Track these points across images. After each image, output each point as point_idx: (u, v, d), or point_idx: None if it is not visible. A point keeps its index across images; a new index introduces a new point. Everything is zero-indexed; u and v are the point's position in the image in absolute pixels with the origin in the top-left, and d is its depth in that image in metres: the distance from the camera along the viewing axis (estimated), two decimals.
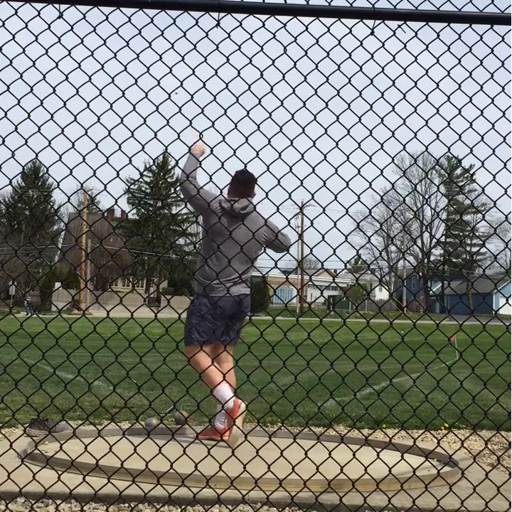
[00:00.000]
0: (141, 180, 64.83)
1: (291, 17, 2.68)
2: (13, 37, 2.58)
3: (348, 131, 2.70)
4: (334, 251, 2.62)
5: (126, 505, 3.17)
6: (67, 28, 2.58)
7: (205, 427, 5.21)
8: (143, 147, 2.58)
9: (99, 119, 2.60)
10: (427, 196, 67.58)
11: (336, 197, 2.59)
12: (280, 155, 2.63)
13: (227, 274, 4.88)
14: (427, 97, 2.78)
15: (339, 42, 2.72)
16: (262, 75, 2.67)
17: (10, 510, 2.96)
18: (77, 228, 52.70)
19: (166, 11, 2.64)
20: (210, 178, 2.66)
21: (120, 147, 2.55)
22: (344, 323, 2.67)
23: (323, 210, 2.71)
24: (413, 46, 2.78)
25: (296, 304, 57.57)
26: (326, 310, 48.65)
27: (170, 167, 63.28)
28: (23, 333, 2.63)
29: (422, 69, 2.78)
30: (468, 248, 68.97)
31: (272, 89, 2.69)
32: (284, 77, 2.66)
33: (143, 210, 66.01)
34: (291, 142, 2.66)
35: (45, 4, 2.61)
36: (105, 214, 43.37)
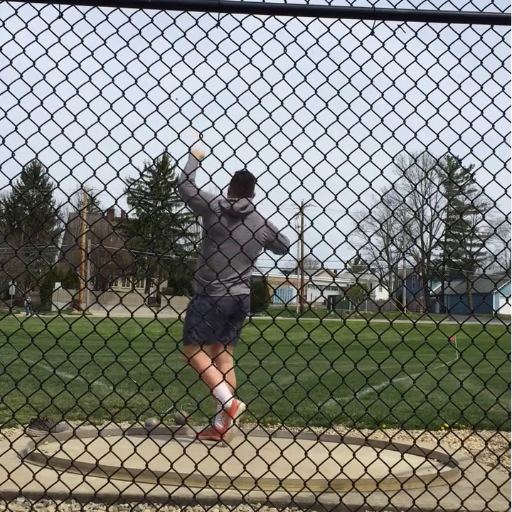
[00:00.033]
0: (141, 180, 64.85)
1: (291, 17, 2.68)
2: (13, 37, 2.58)
3: (348, 131, 2.70)
4: (334, 251, 2.62)
5: (126, 505, 3.17)
6: (67, 28, 2.58)
7: (205, 427, 5.21)
8: (143, 147, 2.58)
9: (99, 119, 2.60)
10: (427, 196, 67.61)
11: (335, 197, 2.59)
12: (280, 155, 2.63)
13: (227, 274, 4.88)
14: (427, 97, 2.78)
15: (339, 42, 2.72)
16: (262, 75, 2.67)
17: (10, 510, 2.96)
18: (77, 228, 52.71)
19: (166, 11, 2.64)
20: (210, 178, 2.66)
21: (120, 147, 2.55)
22: (344, 323, 2.67)
23: (323, 210, 2.71)
24: (413, 46, 2.79)
25: (296, 304, 57.57)
26: (326, 310, 48.66)
27: (170, 167, 63.29)
28: (23, 333, 2.63)
29: (422, 69, 2.78)
30: (468, 248, 68.97)
31: (272, 89, 2.69)
32: (284, 77, 2.66)
33: (143, 210, 66.02)
34: (291, 142, 2.66)
35: (45, 4, 2.61)
36: (105, 214, 43.37)
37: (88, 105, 2.58)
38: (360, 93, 2.71)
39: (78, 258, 53.99)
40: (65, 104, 2.57)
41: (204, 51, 2.63)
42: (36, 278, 50.41)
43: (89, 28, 2.57)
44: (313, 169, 2.62)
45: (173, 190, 65.39)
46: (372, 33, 2.71)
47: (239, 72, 2.65)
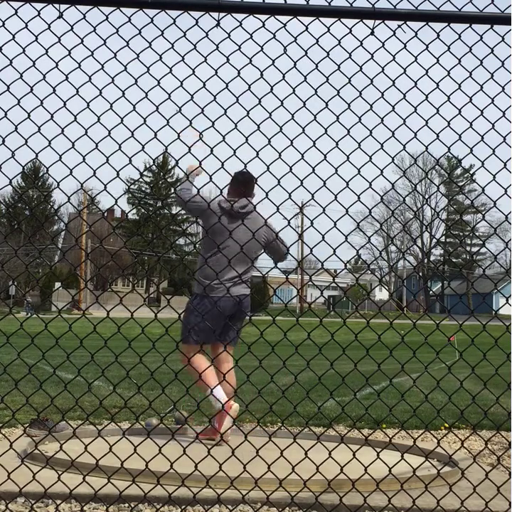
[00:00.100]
0: (141, 180, 64.85)
1: (291, 17, 2.68)
2: (13, 37, 2.58)
3: (348, 131, 2.70)
4: (334, 251, 2.62)
5: (126, 505, 3.17)
6: (67, 28, 2.58)
7: (205, 427, 5.22)
8: (143, 147, 2.58)
9: (99, 119, 2.60)
10: (427, 196, 67.61)
11: (335, 197, 2.59)
12: (280, 155, 2.63)
13: (227, 274, 4.88)
14: (427, 97, 2.78)
15: (339, 42, 2.72)
16: (262, 75, 2.67)
17: (10, 510, 2.96)
18: (77, 228, 52.70)
19: (166, 11, 2.64)
20: (210, 178, 2.66)
21: (120, 147, 2.55)
22: (344, 323, 2.67)
23: (323, 210, 2.71)
24: (413, 46, 2.79)
25: (296, 304, 57.57)
26: (326, 310, 48.66)
27: (170, 167, 63.30)
28: (23, 333, 2.63)
29: (422, 69, 2.78)
30: (468, 248, 68.97)
31: (272, 89, 2.69)
32: (284, 77, 2.66)
33: (143, 210, 66.02)
34: (291, 142, 2.66)
35: (45, 4, 2.61)
36: (105, 214, 43.38)
37: (88, 105, 2.58)
38: (360, 93, 2.71)
39: (78, 258, 53.99)
40: (65, 104, 2.57)
41: (204, 51, 2.63)
42: (36, 278, 50.42)
43: (89, 28, 2.57)
44: (313, 169, 2.62)
45: (173, 190, 65.39)
46: (372, 33, 2.71)
47: (239, 72, 2.65)
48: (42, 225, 64.19)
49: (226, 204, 4.97)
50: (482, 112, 2.83)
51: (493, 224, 3.35)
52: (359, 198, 2.63)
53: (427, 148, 2.79)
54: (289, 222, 2.73)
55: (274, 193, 2.59)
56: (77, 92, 2.57)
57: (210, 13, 2.64)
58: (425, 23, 2.77)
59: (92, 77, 2.58)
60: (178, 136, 2.65)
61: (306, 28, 2.69)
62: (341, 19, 2.70)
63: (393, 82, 2.76)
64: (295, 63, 2.68)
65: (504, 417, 6.09)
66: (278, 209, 2.66)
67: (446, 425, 6.13)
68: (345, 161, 2.68)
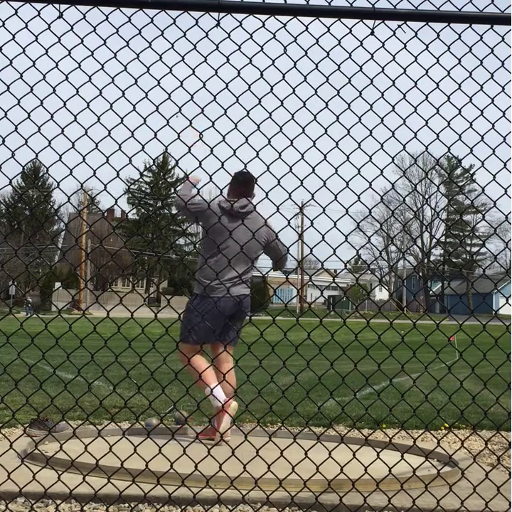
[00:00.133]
0: (141, 180, 64.84)
1: (291, 17, 2.68)
2: (13, 37, 2.58)
3: (348, 131, 2.70)
4: (334, 251, 2.62)
5: (126, 505, 3.17)
6: (67, 28, 2.58)
7: (205, 427, 5.22)
8: (143, 147, 2.58)
9: (99, 119, 2.60)
10: (427, 196, 67.61)
11: (336, 197, 2.59)
12: (280, 155, 2.63)
13: (227, 275, 4.88)
14: (427, 97, 2.78)
15: (339, 42, 2.72)
16: (262, 75, 2.67)
17: (10, 510, 2.96)
18: (77, 228, 52.71)
19: (166, 11, 2.64)
20: (210, 178, 2.66)
21: (120, 147, 2.55)
22: (344, 323, 2.67)
23: (323, 210, 2.71)
24: (413, 46, 2.79)
25: (296, 304, 57.57)
26: (326, 310, 48.66)
27: (170, 167, 63.29)
28: (23, 333, 2.63)
29: (422, 69, 2.78)
30: (468, 248, 68.97)
31: (272, 89, 2.69)
32: (284, 77, 2.66)
33: (143, 210, 66.01)
34: (291, 142, 2.66)
35: (45, 4, 2.61)
36: (105, 214, 43.38)
37: (88, 105, 2.58)
38: (360, 93, 2.71)
39: (78, 258, 53.99)
40: (65, 104, 2.57)
41: (204, 51, 2.63)
42: (36, 278, 50.41)
43: (89, 28, 2.57)
44: (313, 169, 2.62)
45: (173, 190, 65.42)
46: (372, 33, 2.71)
47: (239, 72, 2.65)
48: (42, 225, 64.19)
49: (226, 204, 4.97)
50: (482, 112, 2.83)
51: (493, 224, 3.35)
52: (359, 198, 2.63)
53: (427, 148, 2.79)
54: (289, 222, 2.73)
55: (274, 193, 2.60)
56: (77, 92, 2.57)
57: (210, 13, 2.64)
58: (425, 23, 2.77)
59: (92, 77, 2.58)
60: (178, 136, 2.65)
61: (306, 28, 2.69)
62: (341, 19, 2.70)
63: (393, 82, 2.76)
64: (295, 63, 2.68)
65: (504, 417, 6.09)
66: (278, 209, 2.66)
67: (446, 425, 6.13)
68: (345, 161, 2.68)
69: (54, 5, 2.60)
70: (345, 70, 2.74)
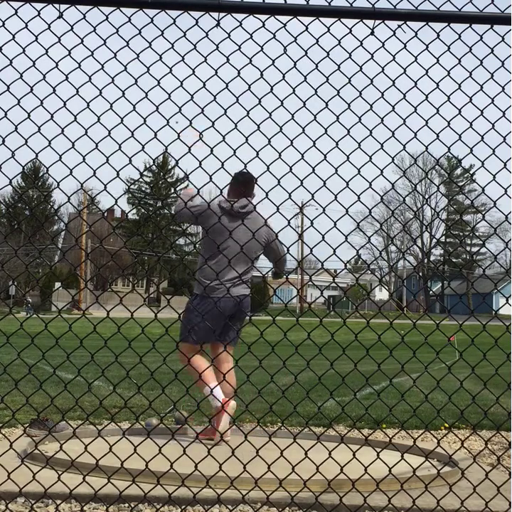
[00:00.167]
0: (141, 180, 64.83)
1: (291, 17, 2.68)
2: (13, 37, 2.58)
3: (348, 131, 2.70)
4: (334, 251, 2.62)
5: (126, 505, 3.17)
6: (67, 28, 2.58)
7: (205, 427, 5.22)
8: (143, 147, 2.58)
9: (99, 119, 2.60)
10: (427, 196, 67.61)
11: (336, 197, 2.59)
12: (280, 155, 2.63)
13: (227, 275, 4.88)
14: (427, 97, 2.78)
15: (339, 42, 2.72)
16: (262, 75, 2.67)
17: (10, 510, 2.96)
18: (77, 228, 52.70)
19: (166, 11, 2.64)
20: (210, 178, 2.66)
21: (120, 147, 2.55)
22: (344, 323, 2.67)
23: (323, 210, 2.71)
24: (413, 46, 2.79)
25: (296, 304, 57.58)
26: (326, 310, 48.65)
27: (170, 167, 63.29)
28: (23, 333, 2.63)
29: (422, 69, 2.78)
30: (468, 248, 68.97)
31: (272, 89, 2.69)
32: (284, 77, 2.66)
33: (143, 210, 66.01)
34: (291, 142, 2.66)
35: (45, 4, 2.61)
36: (105, 214, 43.39)
37: (88, 105, 2.58)
38: (360, 93, 2.71)
39: (78, 258, 53.99)
40: (65, 104, 2.57)
41: (204, 51, 2.63)
42: (36, 278, 50.41)
43: (89, 28, 2.57)
44: (313, 169, 2.62)
45: (173, 190, 65.42)
46: (372, 33, 2.71)
47: (239, 72, 2.65)
48: (42, 225, 64.19)
49: (226, 204, 4.97)
50: (482, 112, 2.83)
51: (493, 224, 3.35)
52: (359, 198, 2.63)
53: (427, 148, 2.79)
54: (289, 222, 2.73)
55: (274, 193, 2.60)
56: (77, 92, 2.57)
57: (210, 13, 2.64)
58: (425, 23, 2.77)
59: (92, 77, 2.58)
60: (178, 136, 2.65)
61: (306, 28, 2.69)
62: (341, 19, 2.70)
63: (393, 82, 2.76)
64: (295, 63, 2.68)
65: (504, 417, 6.09)
66: (278, 209, 2.66)
67: (446, 425, 6.13)
68: (345, 161, 2.68)
69: (54, 5, 2.60)
70: (345, 70, 2.74)
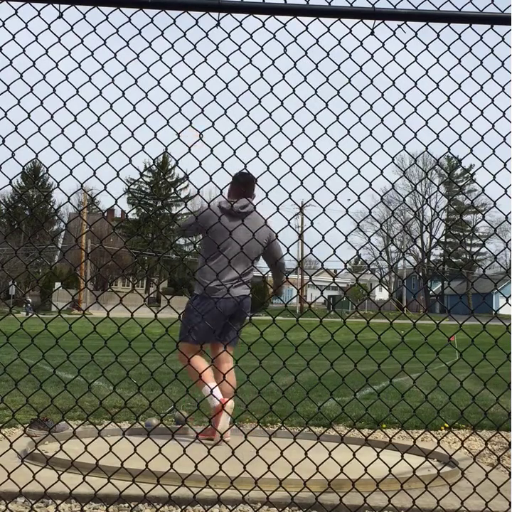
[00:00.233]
0: (141, 180, 64.82)
1: (291, 17, 2.68)
2: (13, 37, 2.58)
3: (348, 131, 2.70)
4: (334, 251, 2.62)
5: (126, 505, 3.17)
6: (67, 28, 2.58)
7: (205, 427, 5.22)
8: (143, 147, 2.58)
9: (99, 119, 2.60)
10: (427, 196, 67.61)
11: (335, 197, 2.59)
12: (280, 155, 2.63)
13: (228, 275, 4.88)
14: (427, 97, 2.78)
15: (339, 42, 2.72)
16: (262, 75, 2.67)
17: (10, 510, 2.96)
18: (77, 228, 52.70)
19: (166, 11, 2.64)
20: (210, 178, 2.66)
21: (120, 147, 2.55)
22: (344, 323, 2.67)
23: (323, 210, 2.71)
24: (413, 46, 2.79)
25: (296, 304, 57.57)
26: (326, 310, 48.65)
27: (170, 167, 63.27)
28: (23, 333, 2.63)
29: (422, 69, 2.77)
30: (468, 248, 68.97)
31: (272, 89, 2.69)
32: (284, 77, 2.66)
33: (143, 210, 66.01)
34: (291, 142, 2.65)
35: (45, 4, 2.61)
36: (105, 214, 43.38)
37: (88, 105, 2.58)
38: (360, 93, 2.71)
39: (78, 258, 53.99)
40: (65, 104, 2.57)
41: (204, 51, 2.63)
42: (36, 278, 50.41)
43: (89, 28, 2.57)
44: (313, 169, 2.62)
45: (173, 190, 65.44)
46: (372, 33, 2.71)
47: (239, 72, 2.65)
48: (42, 225, 64.19)
49: (226, 204, 4.97)
50: (482, 112, 2.83)
51: (493, 224, 3.35)
52: (359, 198, 2.63)
53: (427, 148, 2.79)
54: (289, 222, 2.73)
55: (274, 193, 2.60)
56: (77, 92, 2.57)
57: (210, 13, 2.64)
58: (425, 23, 2.77)
59: (92, 77, 2.58)
60: (178, 136, 2.65)
61: (306, 28, 2.69)
62: (341, 19, 2.70)
63: (393, 82, 2.76)
64: (295, 63, 2.68)
65: (504, 417, 6.09)
66: (278, 209, 2.66)
67: (446, 425, 6.13)
68: (345, 161, 2.68)
69: (54, 5, 2.60)
70: (345, 70, 2.74)
